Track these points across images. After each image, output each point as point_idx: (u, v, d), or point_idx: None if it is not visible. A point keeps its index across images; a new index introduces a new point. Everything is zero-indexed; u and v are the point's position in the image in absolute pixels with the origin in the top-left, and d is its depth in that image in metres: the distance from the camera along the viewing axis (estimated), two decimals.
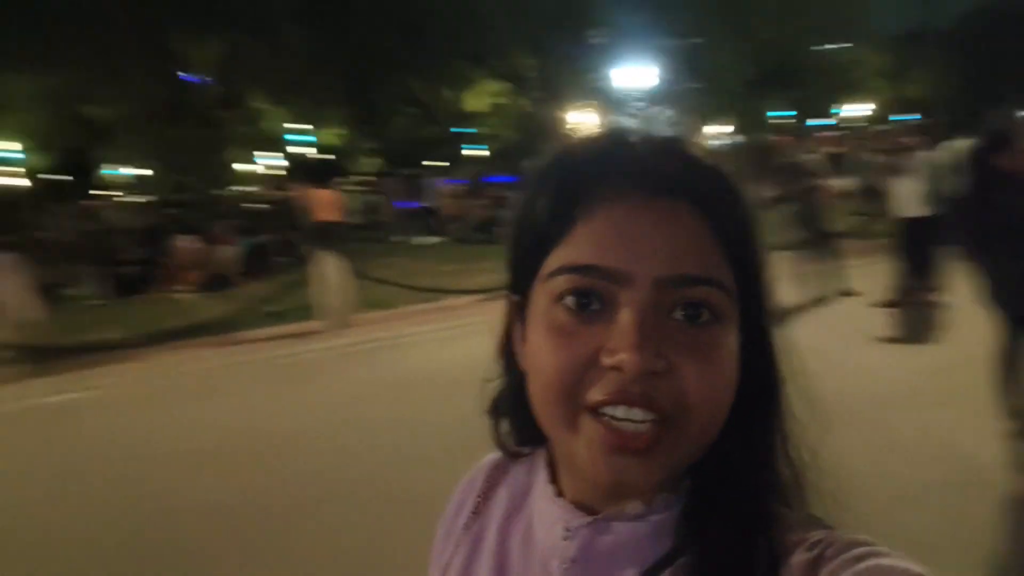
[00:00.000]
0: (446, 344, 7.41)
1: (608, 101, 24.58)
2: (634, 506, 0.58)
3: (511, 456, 0.71)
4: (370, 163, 32.15)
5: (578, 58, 24.24)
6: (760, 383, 0.58)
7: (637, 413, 0.51)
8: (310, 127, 29.60)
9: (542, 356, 0.55)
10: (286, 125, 28.21)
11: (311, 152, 33.00)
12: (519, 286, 0.60)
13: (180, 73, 22.48)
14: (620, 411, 0.52)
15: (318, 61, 21.49)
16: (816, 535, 0.53)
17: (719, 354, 0.53)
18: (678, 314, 0.53)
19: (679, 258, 0.53)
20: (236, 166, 33.14)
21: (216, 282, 12.21)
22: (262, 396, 6.31)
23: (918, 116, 28.28)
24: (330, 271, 8.62)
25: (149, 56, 21.63)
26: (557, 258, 0.55)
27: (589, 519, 0.59)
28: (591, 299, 0.54)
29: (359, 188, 26.25)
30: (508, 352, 0.66)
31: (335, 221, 13.98)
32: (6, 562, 3.73)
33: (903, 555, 0.50)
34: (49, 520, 4.12)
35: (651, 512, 0.58)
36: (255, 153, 33.82)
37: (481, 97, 24.45)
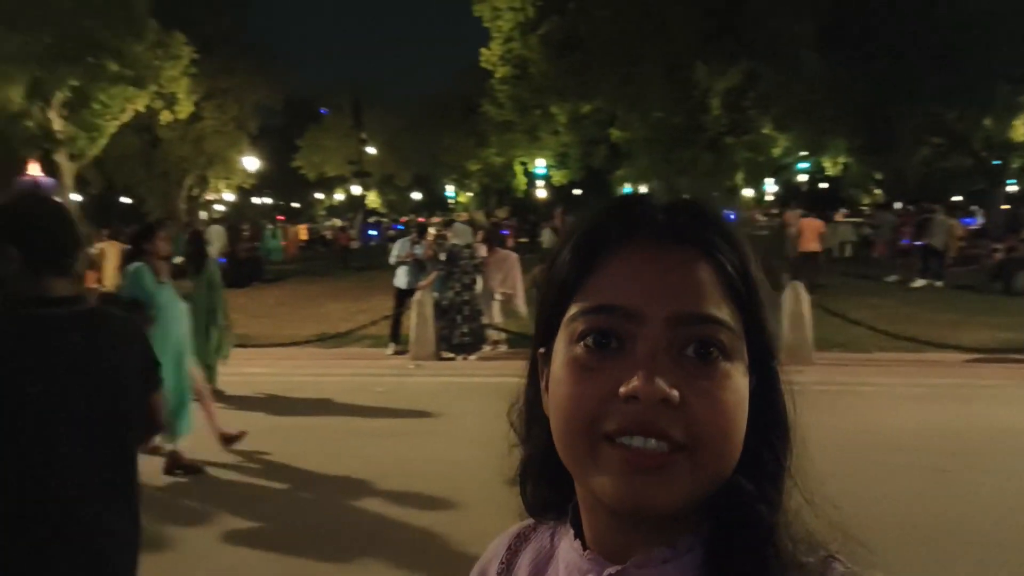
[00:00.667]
0: (920, 403, 6.61)
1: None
2: (660, 550, 0.60)
3: (539, 519, 0.73)
4: (870, 195, 29.76)
5: None
6: (769, 418, 0.61)
7: (652, 443, 0.55)
8: (806, 154, 28.74)
9: (563, 392, 0.59)
10: (781, 152, 27.75)
11: (805, 179, 31.89)
12: (544, 339, 0.65)
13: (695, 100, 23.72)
14: (637, 441, 0.55)
15: (831, 88, 20.58)
16: (837, 574, 0.57)
17: (729, 388, 0.57)
18: (690, 351, 0.57)
19: (689, 298, 0.57)
20: (746, 191, 33.88)
21: None
22: None
23: None
24: (795, 302, 8.31)
25: (672, 85, 23.50)
26: (577, 304, 0.60)
27: (617, 568, 0.61)
28: (609, 338, 0.58)
29: (854, 220, 24.45)
30: (530, 413, 0.70)
31: (815, 252, 13.41)
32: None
33: None
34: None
35: (676, 555, 0.60)
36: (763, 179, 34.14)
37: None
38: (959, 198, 24.53)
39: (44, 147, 20.91)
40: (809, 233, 14.44)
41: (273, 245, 28.92)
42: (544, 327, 0.65)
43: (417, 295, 8.95)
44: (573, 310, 0.60)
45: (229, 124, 30.01)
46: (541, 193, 34.96)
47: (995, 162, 22.48)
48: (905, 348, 8.74)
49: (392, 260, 10.06)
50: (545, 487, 0.69)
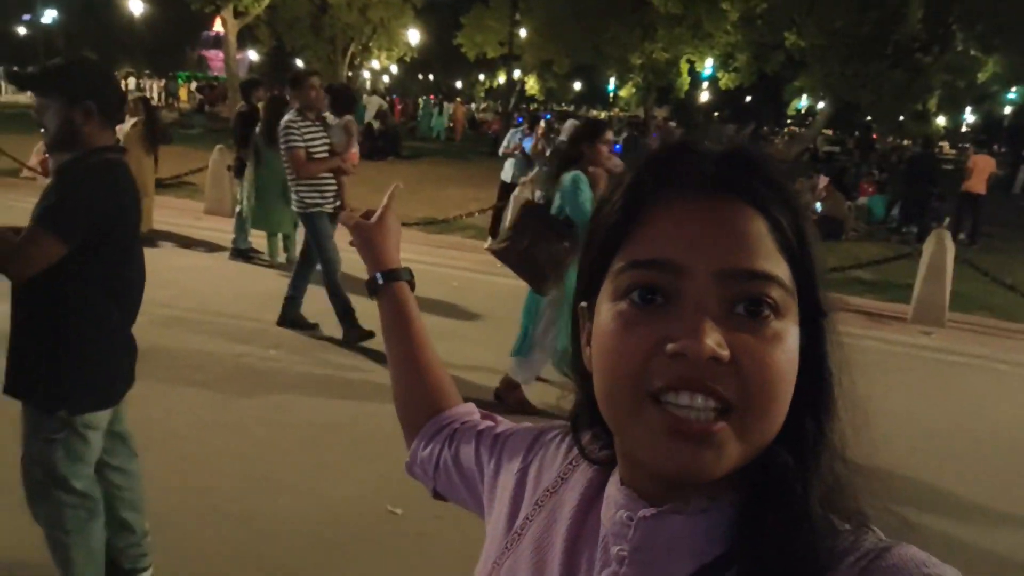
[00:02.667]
0: None
1: None
2: (698, 501, 0.59)
3: (595, 464, 0.72)
4: None
5: None
6: (815, 382, 0.59)
7: (699, 400, 0.53)
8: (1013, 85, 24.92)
9: (607, 347, 0.57)
10: (988, 78, 24.07)
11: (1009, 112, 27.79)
12: (588, 291, 0.63)
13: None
14: (683, 398, 0.53)
15: None
16: (868, 544, 0.55)
17: (780, 347, 0.55)
18: (740, 309, 0.55)
19: (738, 253, 0.55)
20: (940, 119, 30.14)
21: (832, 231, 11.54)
22: None
23: None
24: (938, 252, 7.19)
25: None
26: (622, 257, 0.59)
27: (653, 510, 0.61)
28: (655, 294, 0.56)
29: None
30: (574, 367, 0.69)
31: (978, 193, 11.59)
32: None
33: (957, 573, 0.51)
34: None
35: (712, 508, 0.59)
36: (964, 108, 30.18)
37: None
38: None
39: (215, 3, 21.79)
40: (979, 172, 12.54)
41: (437, 124, 29.10)
42: (587, 280, 0.64)
43: (516, 190, 8.56)
44: (618, 264, 0.59)
45: None
46: (705, 96, 32.77)
47: None
48: None
49: (500, 152, 9.67)
50: (602, 434, 0.70)
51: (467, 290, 7.20)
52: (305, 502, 3.44)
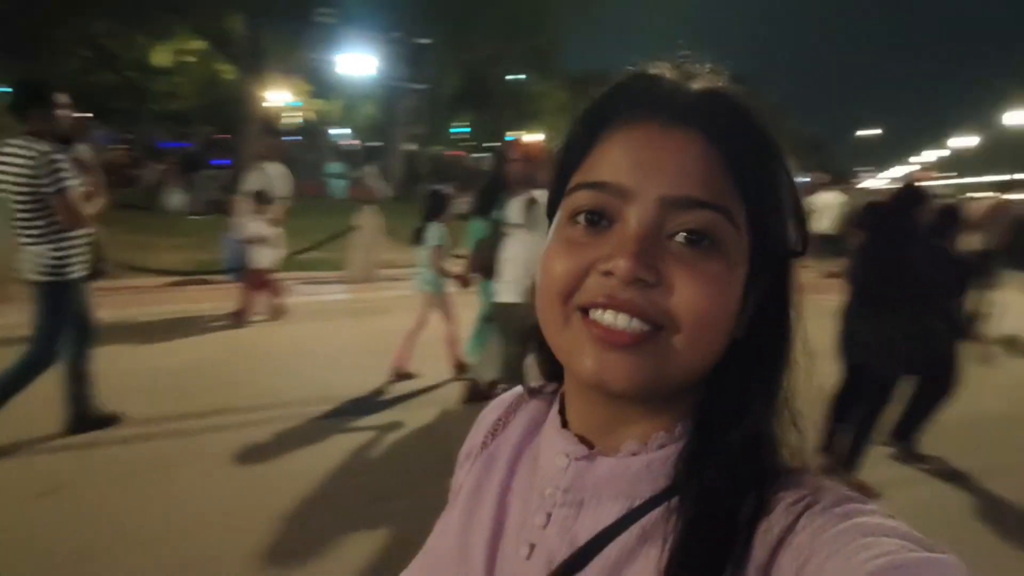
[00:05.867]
0: None
1: (320, 83, 21.87)
2: (630, 444, 0.60)
3: (532, 393, 0.74)
4: None
5: (299, 33, 20.99)
6: (769, 327, 0.58)
7: (623, 319, 0.53)
8: None
9: (548, 264, 0.58)
10: None
11: None
12: (551, 212, 0.64)
13: None
14: (607, 316, 0.54)
15: None
16: (805, 489, 0.54)
17: (715, 278, 0.54)
18: (680, 238, 0.54)
19: (685, 181, 0.54)
20: None
21: None
22: None
23: None
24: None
25: None
26: (576, 177, 0.59)
27: (587, 451, 0.62)
28: (600, 217, 0.56)
29: None
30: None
31: None
32: None
33: (888, 512, 0.51)
34: None
35: (645, 451, 0.59)
36: None
37: (167, 53, 21.05)
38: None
39: None
40: None
41: None
42: (551, 201, 0.64)
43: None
44: (570, 186, 0.59)
45: None
46: None
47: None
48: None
49: None
50: (546, 356, 0.66)
51: None
52: None
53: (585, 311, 0.55)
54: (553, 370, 0.70)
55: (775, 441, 0.57)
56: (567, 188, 0.60)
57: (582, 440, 0.63)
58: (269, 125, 10.68)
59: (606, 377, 0.54)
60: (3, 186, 3.73)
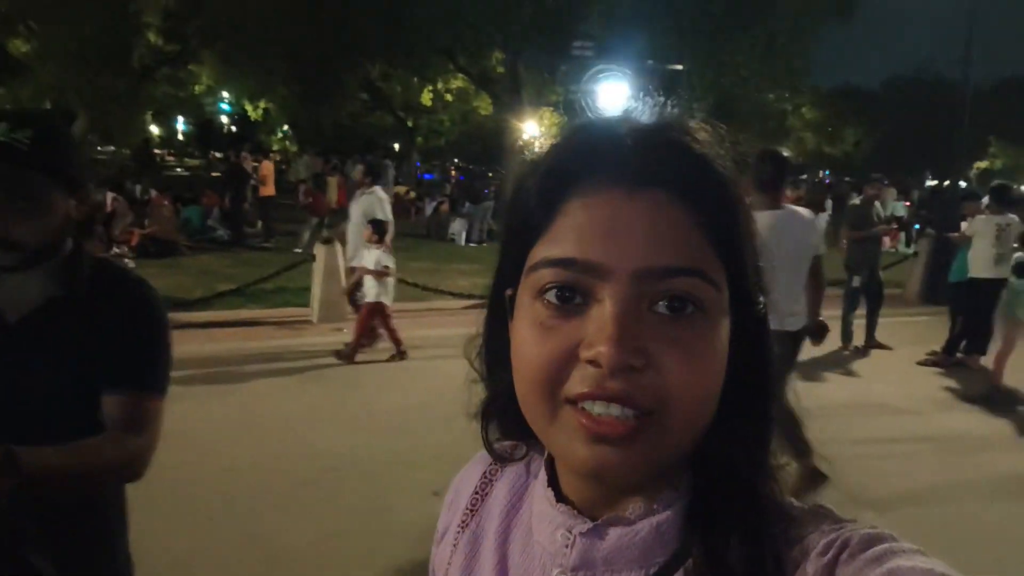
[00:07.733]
0: None
1: (573, 114, 20.67)
2: (635, 507, 0.57)
3: (502, 461, 0.70)
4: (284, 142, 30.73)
5: (555, 66, 21.74)
6: (753, 374, 0.57)
7: (615, 409, 0.50)
8: (227, 95, 29.97)
9: (524, 351, 0.54)
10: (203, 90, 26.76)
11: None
12: (511, 279, 0.59)
13: None
14: (598, 407, 0.51)
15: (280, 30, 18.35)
16: (831, 535, 0.51)
17: (704, 347, 0.52)
18: (661, 307, 0.51)
19: (660, 250, 0.51)
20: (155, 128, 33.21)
21: None
22: None
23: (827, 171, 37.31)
24: (330, 256, 8.32)
25: None
26: (539, 251, 0.55)
27: (589, 525, 0.58)
28: (573, 293, 0.53)
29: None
30: (493, 356, 0.64)
31: (269, 195, 14.21)
32: None
33: (923, 552, 0.48)
34: None
35: (652, 513, 0.57)
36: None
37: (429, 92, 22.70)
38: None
39: None
40: (268, 177, 15.47)
41: None
42: (509, 267, 0.59)
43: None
44: (534, 258, 0.55)
45: None
46: None
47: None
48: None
49: None
50: (512, 423, 0.63)
51: None
52: None
53: (574, 403, 0.52)
54: (523, 434, 0.63)
55: (775, 477, 0.57)
56: (529, 260, 0.56)
57: (583, 509, 0.60)
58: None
59: (602, 470, 0.52)
60: None
